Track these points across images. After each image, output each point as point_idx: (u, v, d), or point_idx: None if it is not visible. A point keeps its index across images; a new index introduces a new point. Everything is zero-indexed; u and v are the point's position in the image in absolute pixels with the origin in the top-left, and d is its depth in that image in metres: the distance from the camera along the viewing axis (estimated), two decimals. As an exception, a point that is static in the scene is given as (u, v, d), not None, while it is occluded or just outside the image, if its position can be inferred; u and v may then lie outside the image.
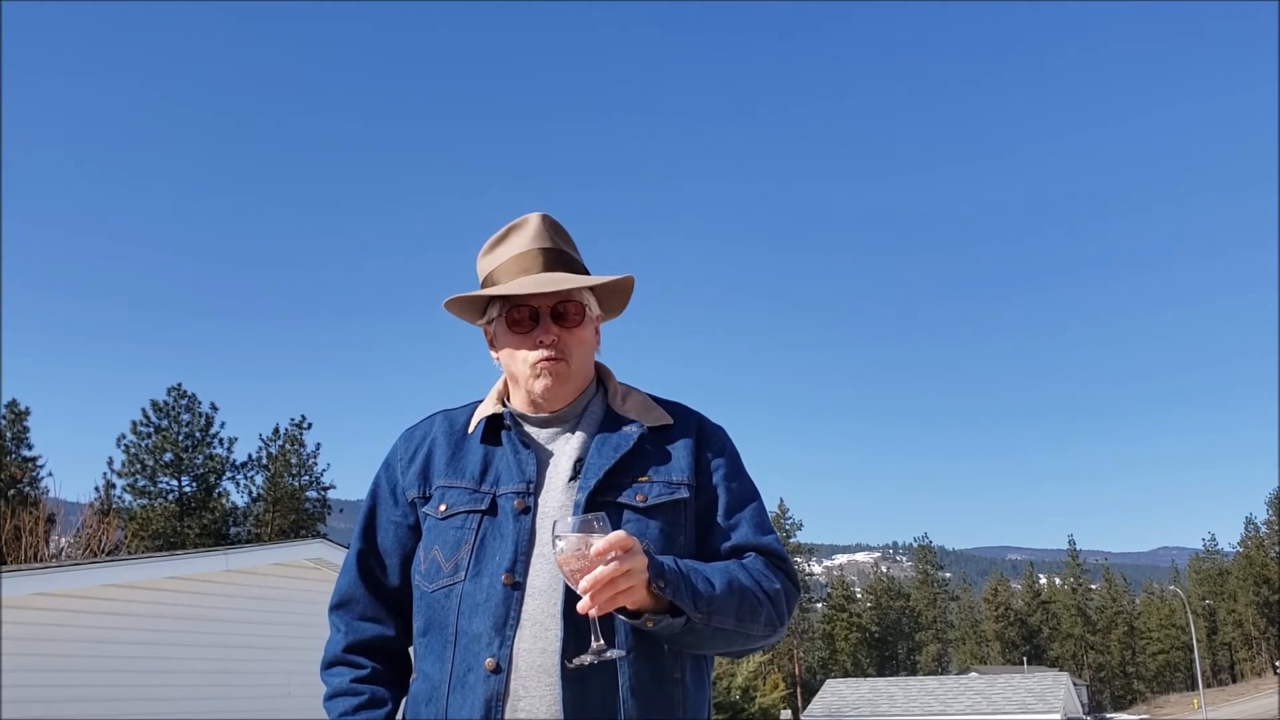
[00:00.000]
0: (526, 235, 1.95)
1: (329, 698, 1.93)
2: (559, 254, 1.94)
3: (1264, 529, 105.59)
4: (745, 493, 1.94)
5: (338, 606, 1.99)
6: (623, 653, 1.71)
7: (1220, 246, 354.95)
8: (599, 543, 1.61)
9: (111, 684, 9.46)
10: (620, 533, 1.64)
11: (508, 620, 1.75)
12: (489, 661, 1.73)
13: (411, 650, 1.94)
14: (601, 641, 1.67)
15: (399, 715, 1.89)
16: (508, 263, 1.93)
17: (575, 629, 1.72)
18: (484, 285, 1.97)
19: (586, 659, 1.67)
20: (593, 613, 1.63)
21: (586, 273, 1.98)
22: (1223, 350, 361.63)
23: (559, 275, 1.91)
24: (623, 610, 1.68)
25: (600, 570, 1.60)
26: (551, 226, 1.97)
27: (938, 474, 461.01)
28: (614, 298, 2.04)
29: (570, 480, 1.86)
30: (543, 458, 1.90)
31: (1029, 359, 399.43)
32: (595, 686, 1.71)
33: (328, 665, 1.96)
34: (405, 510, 1.95)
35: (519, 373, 1.93)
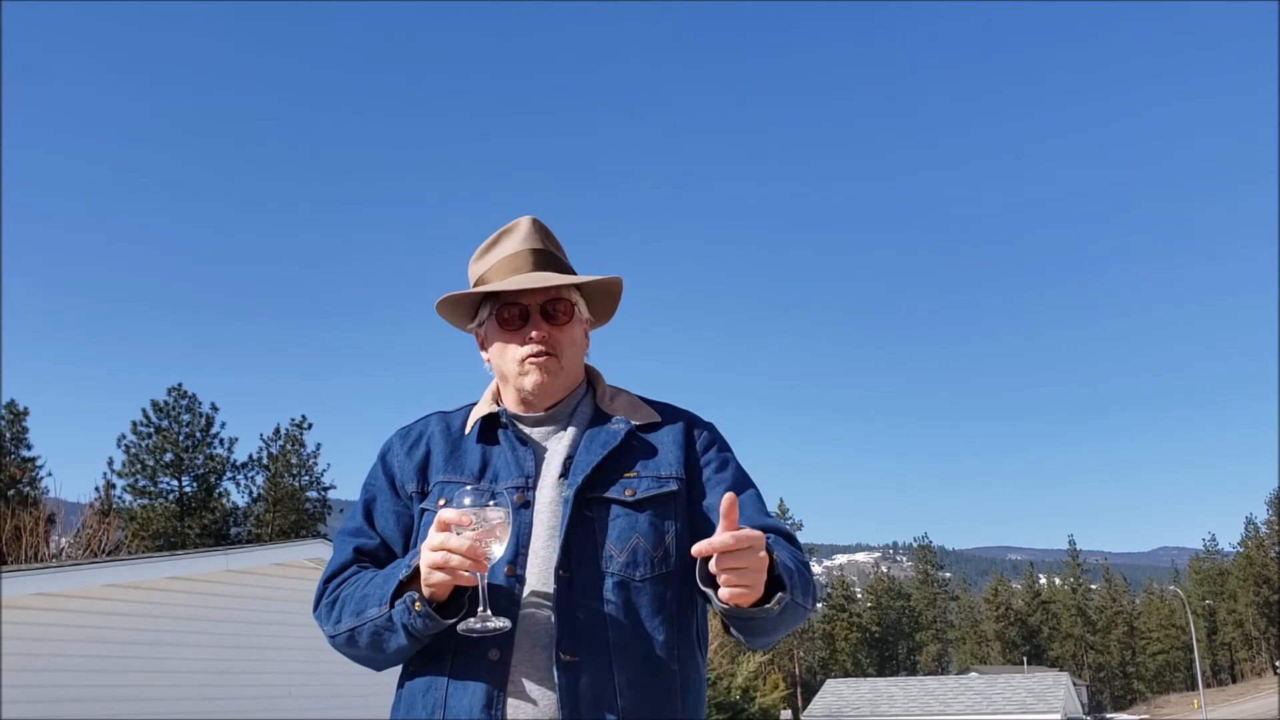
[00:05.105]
0: (517, 238, 1.99)
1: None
2: (548, 255, 1.98)
3: (1264, 529, 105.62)
4: (740, 480, 1.96)
5: (334, 575, 1.91)
6: (508, 623, 1.70)
7: (1220, 246, 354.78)
8: (748, 531, 1.61)
9: (112, 684, 9.48)
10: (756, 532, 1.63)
11: (510, 611, 1.76)
12: (493, 652, 1.74)
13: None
14: (489, 610, 1.67)
15: (393, 710, 1.89)
16: (498, 264, 1.97)
17: (569, 620, 1.74)
18: (474, 288, 1.99)
19: (474, 625, 1.67)
20: (482, 582, 1.65)
21: (575, 275, 2.01)
22: (1223, 350, 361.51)
23: (548, 274, 1.94)
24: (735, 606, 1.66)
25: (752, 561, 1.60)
26: (541, 230, 2.01)
27: (938, 474, 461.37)
28: (602, 302, 2.07)
29: (560, 477, 1.88)
30: (539, 455, 1.92)
31: (1029, 359, 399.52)
32: (590, 676, 1.72)
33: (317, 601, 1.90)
34: (405, 503, 1.95)
35: (509, 370, 1.95)
